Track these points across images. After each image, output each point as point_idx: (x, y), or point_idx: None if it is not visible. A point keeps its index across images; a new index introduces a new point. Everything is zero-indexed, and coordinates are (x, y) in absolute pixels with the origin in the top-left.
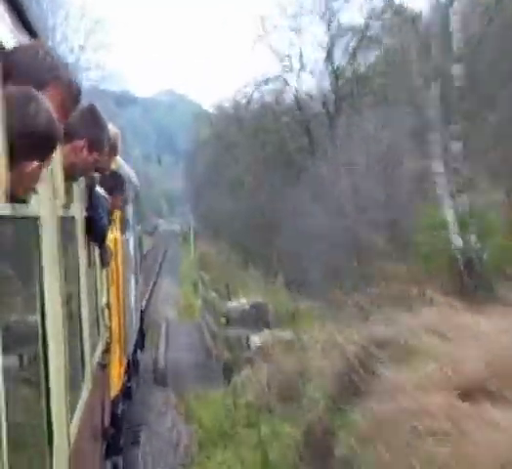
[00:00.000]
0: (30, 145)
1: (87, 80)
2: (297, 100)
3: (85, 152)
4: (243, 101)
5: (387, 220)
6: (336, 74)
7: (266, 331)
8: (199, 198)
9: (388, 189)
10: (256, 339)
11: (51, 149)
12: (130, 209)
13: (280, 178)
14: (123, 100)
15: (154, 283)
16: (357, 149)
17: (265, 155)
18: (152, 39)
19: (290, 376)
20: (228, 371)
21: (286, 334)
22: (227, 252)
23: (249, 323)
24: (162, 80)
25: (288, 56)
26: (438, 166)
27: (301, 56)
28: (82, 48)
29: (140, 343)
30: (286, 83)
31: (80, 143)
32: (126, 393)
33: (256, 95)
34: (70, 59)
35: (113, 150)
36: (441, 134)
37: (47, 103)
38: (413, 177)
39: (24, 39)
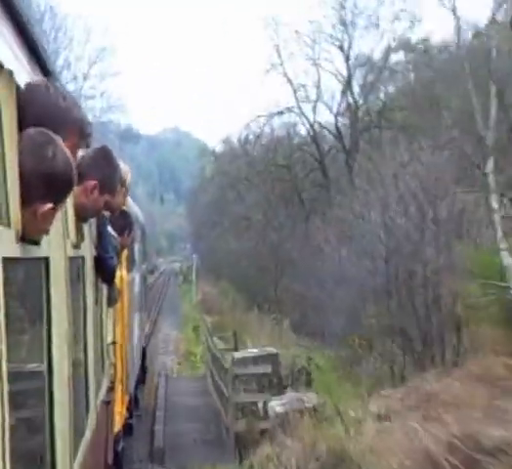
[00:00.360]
0: (46, 187)
1: (90, 110)
2: (313, 133)
3: (96, 194)
4: (252, 135)
5: (420, 262)
6: (356, 106)
7: (289, 394)
8: (201, 237)
9: (420, 228)
10: (276, 405)
11: (66, 192)
12: (136, 248)
13: (291, 216)
14: (127, 135)
15: (153, 324)
16: (379, 186)
17: (275, 192)
18: (159, 74)
19: (330, 463)
20: (240, 446)
21: (310, 397)
22: (230, 293)
23: (260, 377)
24: (167, 118)
25: (304, 86)
26: (493, 202)
27: (318, 86)
28: (86, 76)
29: (141, 379)
30: (302, 114)
31: (91, 183)
32: (127, 429)
33: (266, 129)
34: (73, 86)
35: (125, 190)
36: (490, 168)
37: (63, 146)
38: (449, 215)
39: (38, 77)
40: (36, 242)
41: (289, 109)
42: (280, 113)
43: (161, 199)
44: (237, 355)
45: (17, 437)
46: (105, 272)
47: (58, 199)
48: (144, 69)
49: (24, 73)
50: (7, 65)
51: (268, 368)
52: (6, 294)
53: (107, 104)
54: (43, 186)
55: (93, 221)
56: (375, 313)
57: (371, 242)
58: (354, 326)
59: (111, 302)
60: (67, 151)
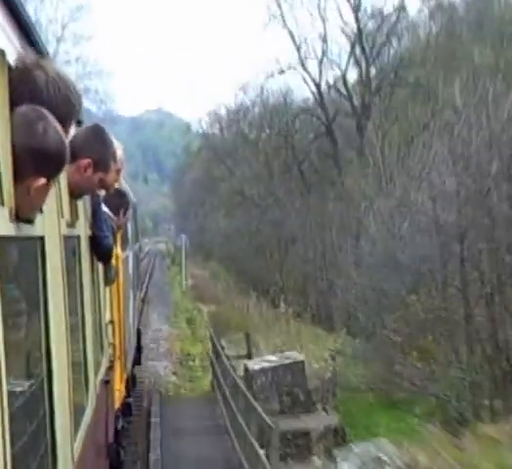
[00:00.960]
0: (38, 162)
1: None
2: (319, 93)
3: (90, 172)
4: (248, 101)
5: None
6: (367, 62)
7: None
8: (187, 216)
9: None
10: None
11: (59, 167)
12: (129, 226)
13: (291, 190)
14: (107, 118)
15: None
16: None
17: (271, 164)
18: (140, 52)
19: None
20: None
21: (387, 448)
22: (222, 276)
23: (282, 395)
24: (150, 99)
25: (307, 40)
26: None
27: (325, 40)
28: (59, 40)
29: (137, 359)
30: (306, 71)
31: (85, 162)
32: (126, 408)
33: (258, 100)
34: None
35: (118, 167)
36: None
37: (55, 122)
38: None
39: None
40: (30, 221)
41: (292, 67)
42: (281, 73)
43: (145, 180)
44: (253, 365)
45: (16, 416)
46: (101, 251)
47: (50, 175)
48: (124, 48)
49: (16, 53)
50: None
51: (287, 375)
52: (1, 274)
53: (84, 70)
54: (35, 161)
55: (87, 199)
56: (430, 304)
57: (420, 215)
58: (386, 318)
59: (108, 281)
60: (59, 127)
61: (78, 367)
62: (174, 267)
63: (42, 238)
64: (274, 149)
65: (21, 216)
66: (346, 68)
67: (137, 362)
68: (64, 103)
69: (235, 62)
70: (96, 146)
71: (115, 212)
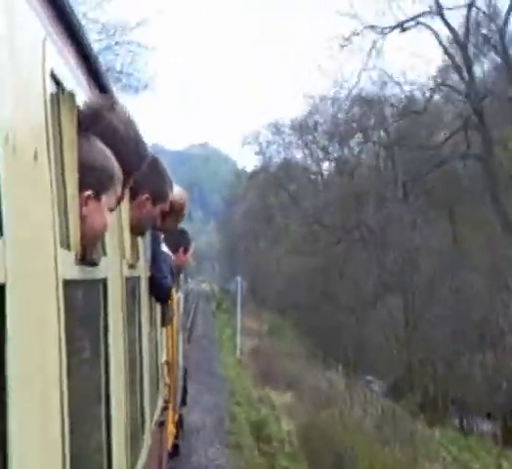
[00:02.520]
0: (83, 175)
1: None
2: (461, 48)
3: (149, 206)
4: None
5: None
6: None
7: None
8: (235, 254)
9: None
10: None
11: (104, 180)
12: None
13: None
14: (152, 152)
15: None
16: None
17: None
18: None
19: None
20: None
21: None
22: (288, 336)
23: None
24: (195, 133)
25: None
26: None
27: None
28: None
29: (183, 399)
30: (444, 21)
31: (143, 197)
32: (174, 450)
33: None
34: None
35: (181, 211)
36: None
37: (102, 145)
38: None
39: (95, 94)
40: (95, 264)
41: (428, 15)
42: (404, 28)
43: (189, 217)
44: None
45: (75, 457)
46: (159, 291)
47: (97, 189)
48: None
49: (83, 93)
50: (68, 87)
51: None
52: (66, 315)
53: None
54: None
55: (148, 239)
56: None
57: None
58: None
59: (165, 322)
60: (106, 150)
61: (136, 408)
62: (220, 314)
63: (105, 280)
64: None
65: (87, 259)
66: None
67: (183, 402)
68: (133, 146)
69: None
70: (152, 178)
71: (174, 250)
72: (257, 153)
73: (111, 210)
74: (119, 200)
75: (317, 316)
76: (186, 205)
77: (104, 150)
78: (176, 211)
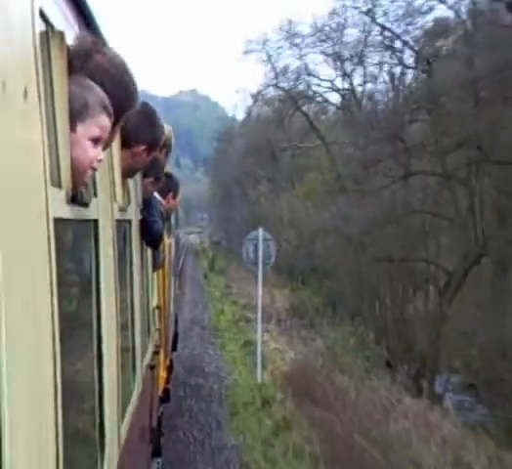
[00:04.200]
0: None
1: None
2: None
3: (144, 155)
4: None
5: None
6: None
7: None
8: (228, 201)
9: None
10: None
11: (80, 109)
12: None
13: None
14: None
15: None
16: None
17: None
18: (173, 31)
19: None
20: None
21: None
22: (308, 310)
23: None
24: (184, 79)
25: None
26: None
27: None
28: None
29: (174, 345)
30: None
31: (140, 148)
32: (165, 395)
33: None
34: None
35: (168, 150)
36: None
37: (88, 81)
38: None
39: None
40: (86, 204)
41: None
42: None
43: (177, 163)
44: None
45: (66, 398)
46: (150, 236)
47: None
48: (156, 29)
49: (73, 32)
50: (57, 26)
51: None
52: (57, 255)
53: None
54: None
55: (139, 183)
56: None
57: None
58: None
59: (156, 266)
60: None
61: (127, 351)
62: (214, 276)
63: (96, 222)
64: None
65: (76, 198)
66: None
67: (173, 347)
68: (123, 88)
69: None
70: (149, 130)
71: (164, 195)
72: (263, 61)
73: (95, 140)
74: (111, 137)
75: (354, 285)
76: (171, 138)
77: (79, 82)
78: (163, 145)
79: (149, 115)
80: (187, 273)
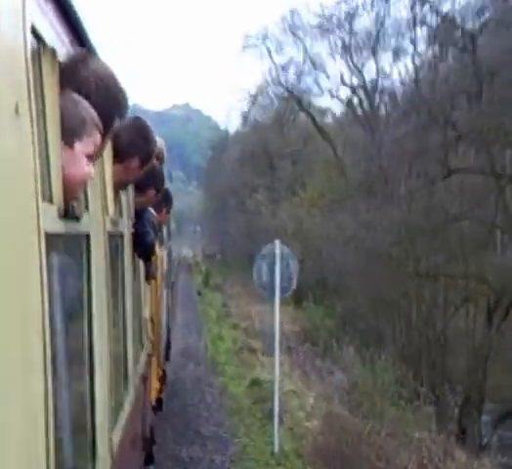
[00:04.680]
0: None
1: None
2: None
3: (137, 169)
4: None
5: None
6: None
7: None
8: (221, 214)
9: None
10: None
11: (78, 126)
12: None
13: None
14: (132, 112)
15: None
16: None
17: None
18: (167, 46)
19: None
20: None
21: None
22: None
23: None
24: (177, 94)
25: None
26: None
27: None
28: None
29: (166, 355)
30: None
31: (132, 162)
32: (158, 404)
33: None
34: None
35: (161, 163)
36: None
37: (75, 95)
38: None
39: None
40: (77, 218)
41: None
42: None
43: (169, 176)
44: None
45: (59, 409)
46: (142, 248)
47: (68, 137)
48: (151, 42)
49: (64, 49)
50: (49, 42)
51: None
52: (48, 270)
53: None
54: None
55: (131, 195)
56: None
57: None
58: None
59: (149, 278)
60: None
61: (119, 362)
62: (209, 292)
63: (88, 236)
64: None
65: (68, 212)
66: None
67: (166, 357)
68: (112, 101)
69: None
70: (141, 144)
71: (158, 209)
72: (262, 57)
73: (90, 157)
74: (100, 149)
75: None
76: (164, 151)
77: (73, 99)
78: (156, 158)
79: (141, 129)
80: (178, 289)
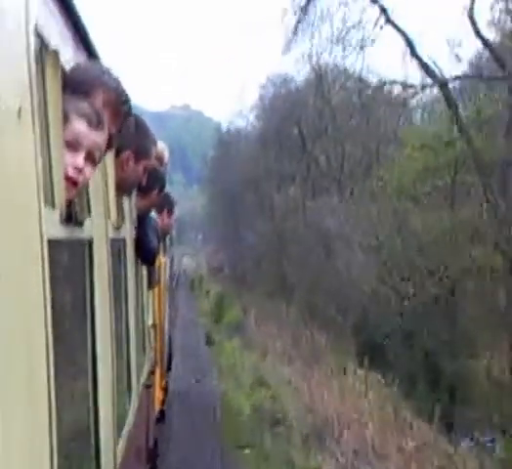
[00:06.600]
0: None
1: None
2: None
3: (132, 163)
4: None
5: None
6: None
7: None
8: (229, 217)
9: None
10: None
11: None
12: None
13: None
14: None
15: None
16: None
17: None
18: (166, 45)
19: None
20: None
21: None
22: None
23: None
24: (177, 94)
25: None
26: None
27: None
28: None
29: (168, 365)
30: None
31: (124, 155)
32: (160, 415)
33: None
34: None
35: (161, 163)
36: None
37: None
38: None
39: (83, 59)
40: (80, 223)
41: None
42: None
43: (169, 180)
44: None
45: (61, 418)
46: (145, 253)
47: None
48: (150, 44)
49: (69, 54)
50: (52, 44)
51: None
52: (51, 276)
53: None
54: None
55: (133, 201)
56: None
57: None
58: None
59: (152, 285)
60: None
61: (122, 371)
62: (225, 337)
63: (90, 241)
64: None
65: (71, 217)
66: None
67: (168, 367)
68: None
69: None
70: (133, 136)
71: (158, 212)
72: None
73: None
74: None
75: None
76: (165, 153)
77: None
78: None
79: (134, 123)
80: (176, 331)
